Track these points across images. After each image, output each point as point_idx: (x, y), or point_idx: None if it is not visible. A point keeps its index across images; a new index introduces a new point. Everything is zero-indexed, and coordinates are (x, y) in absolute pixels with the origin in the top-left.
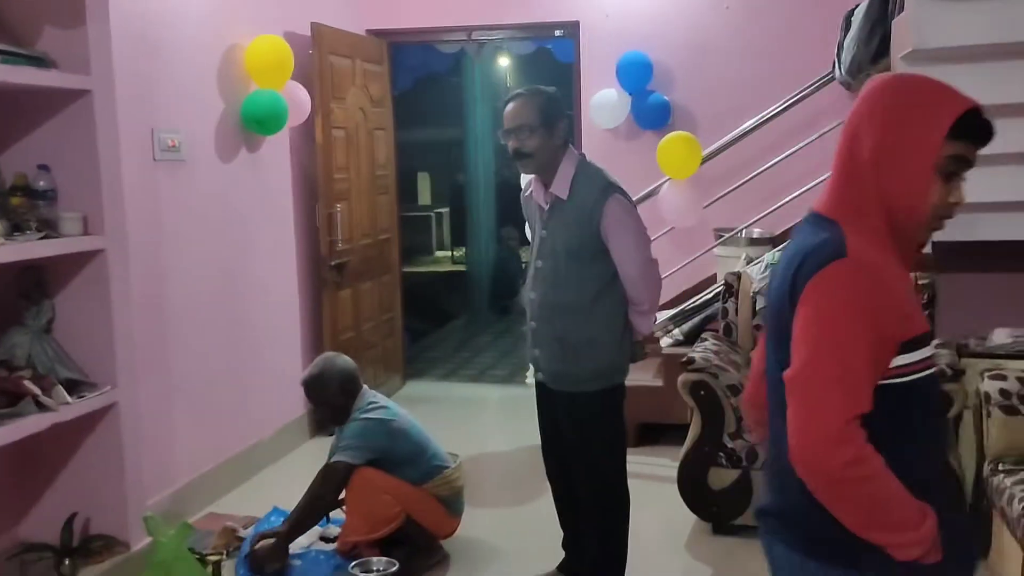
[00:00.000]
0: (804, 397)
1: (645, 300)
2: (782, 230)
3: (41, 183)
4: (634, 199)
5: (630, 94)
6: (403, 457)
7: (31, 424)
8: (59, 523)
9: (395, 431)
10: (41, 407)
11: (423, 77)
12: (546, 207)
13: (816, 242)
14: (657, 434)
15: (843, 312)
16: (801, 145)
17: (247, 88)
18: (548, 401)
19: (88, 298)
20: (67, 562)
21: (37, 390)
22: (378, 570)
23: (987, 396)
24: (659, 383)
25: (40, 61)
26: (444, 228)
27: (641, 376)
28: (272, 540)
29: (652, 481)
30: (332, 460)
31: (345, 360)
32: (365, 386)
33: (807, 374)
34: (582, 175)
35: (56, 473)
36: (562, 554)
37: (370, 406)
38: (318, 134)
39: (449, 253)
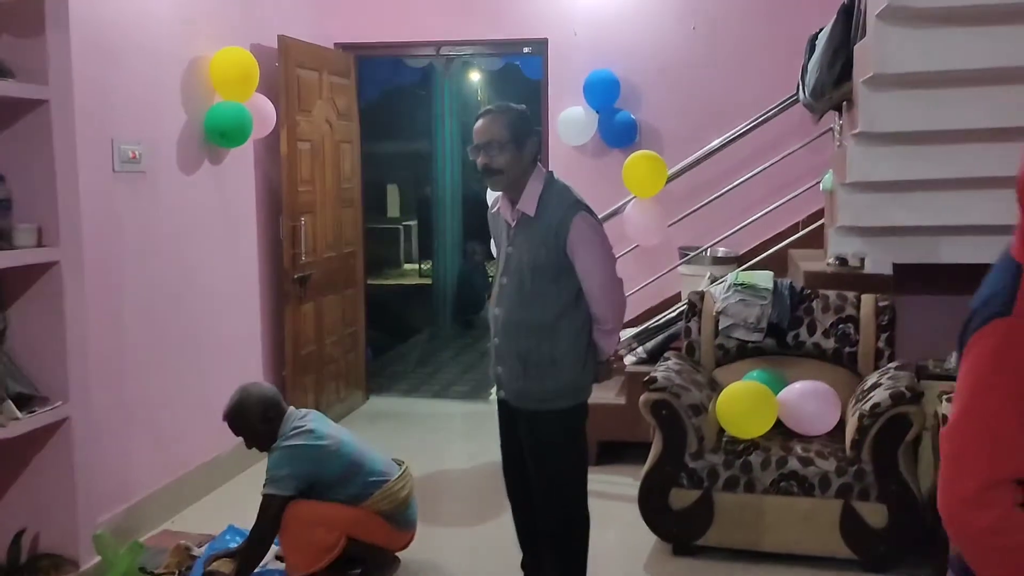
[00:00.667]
0: (949, 455)
1: (610, 319)
2: (746, 250)
3: None
4: (600, 217)
5: (597, 112)
6: (334, 479)
7: None
8: (6, 540)
9: (321, 455)
10: None
11: (390, 89)
12: (513, 224)
13: (989, 293)
14: (620, 452)
15: (992, 373)
16: (766, 166)
17: (211, 100)
18: (510, 419)
19: (41, 311)
20: None
21: None
22: None
23: (944, 419)
24: (622, 401)
25: None
26: (413, 241)
27: (604, 394)
28: (230, 563)
29: (613, 500)
30: (263, 493)
31: (263, 388)
32: (291, 408)
33: (953, 432)
34: (550, 193)
35: (4, 489)
36: (521, 574)
37: (294, 431)
38: (283, 146)
39: (417, 266)
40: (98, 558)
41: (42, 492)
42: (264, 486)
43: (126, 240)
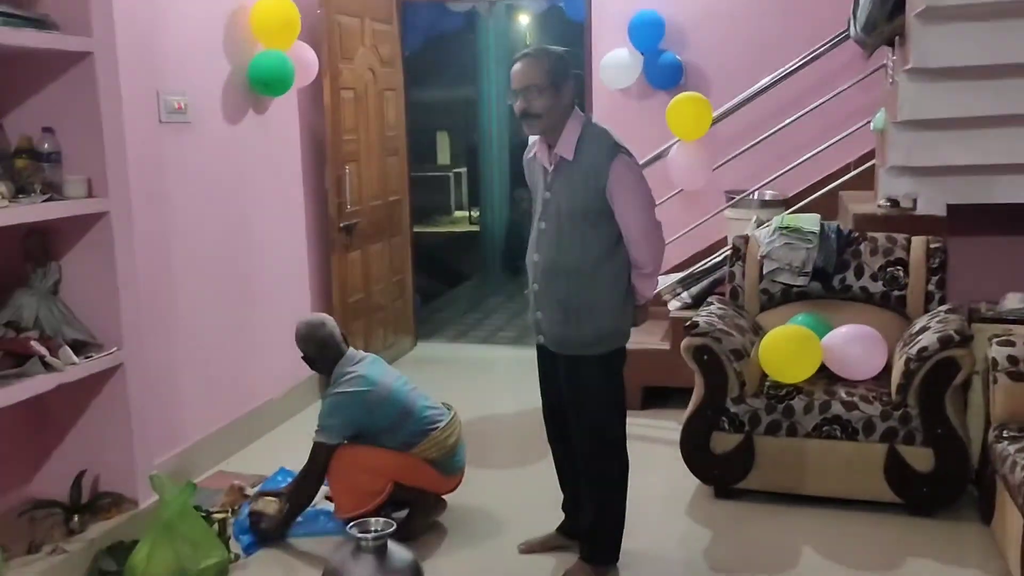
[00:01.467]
0: None
1: (648, 263)
2: (794, 192)
3: (45, 145)
4: (643, 160)
5: (642, 53)
6: (383, 426)
7: (38, 384)
8: (68, 481)
9: (371, 402)
10: (48, 368)
11: (435, 35)
12: (550, 168)
13: None
14: (664, 397)
15: None
16: (815, 105)
17: (253, 49)
18: (550, 364)
19: (93, 260)
20: (76, 518)
21: (44, 351)
22: (375, 531)
23: (995, 362)
24: (666, 346)
25: (41, 23)
26: (462, 188)
27: (648, 339)
28: (274, 502)
29: (657, 444)
30: (313, 440)
31: (323, 326)
32: (350, 350)
33: None
34: (588, 136)
35: (65, 432)
36: (562, 516)
37: (346, 377)
38: (326, 95)
39: (467, 213)
40: (156, 497)
41: (100, 435)
42: (315, 433)
43: (173, 190)
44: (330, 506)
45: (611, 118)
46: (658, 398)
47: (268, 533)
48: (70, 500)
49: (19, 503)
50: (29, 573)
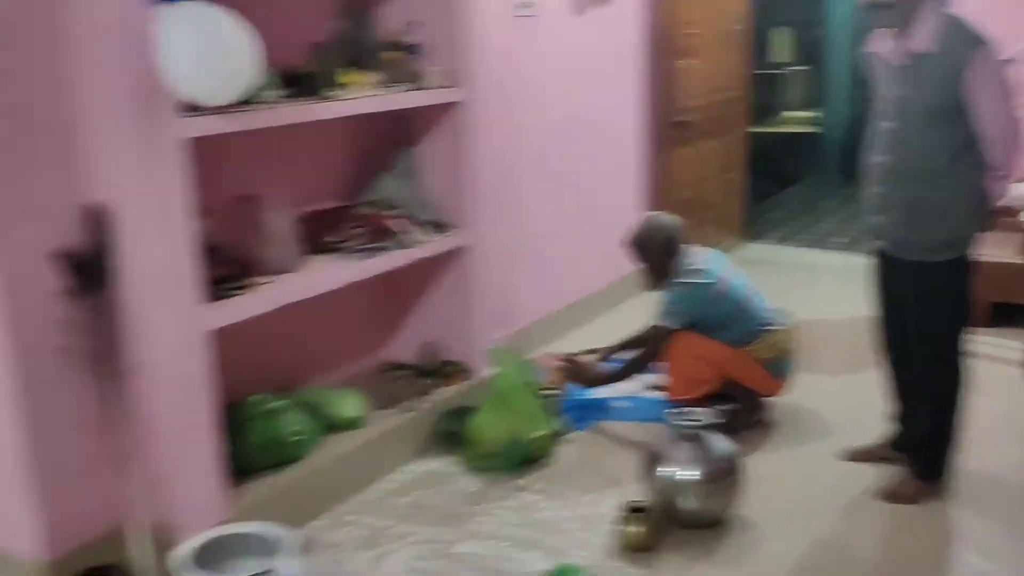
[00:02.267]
0: None
1: (1005, 163)
2: None
3: (411, 39)
4: (1020, 52)
5: None
6: (721, 320)
7: (395, 259)
8: (415, 348)
9: (713, 295)
10: (404, 244)
11: None
12: (901, 64)
13: None
14: (1013, 315)
15: None
16: None
17: None
18: (888, 271)
19: (446, 147)
20: (425, 380)
21: (401, 228)
22: (698, 420)
23: None
24: (1021, 260)
25: None
26: (800, 87)
27: (999, 252)
28: (595, 362)
29: (1001, 364)
30: (654, 324)
31: (668, 220)
32: (691, 246)
33: None
34: (944, 26)
35: (415, 304)
36: (889, 428)
37: (688, 269)
38: None
39: (805, 113)
40: (492, 369)
41: (445, 309)
42: (658, 317)
43: (521, 82)
44: (653, 395)
45: (982, 4)
46: (1008, 316)
47: (578, 376)
48: (420, 364)
49: (375, 365)
50: (387, 424)
